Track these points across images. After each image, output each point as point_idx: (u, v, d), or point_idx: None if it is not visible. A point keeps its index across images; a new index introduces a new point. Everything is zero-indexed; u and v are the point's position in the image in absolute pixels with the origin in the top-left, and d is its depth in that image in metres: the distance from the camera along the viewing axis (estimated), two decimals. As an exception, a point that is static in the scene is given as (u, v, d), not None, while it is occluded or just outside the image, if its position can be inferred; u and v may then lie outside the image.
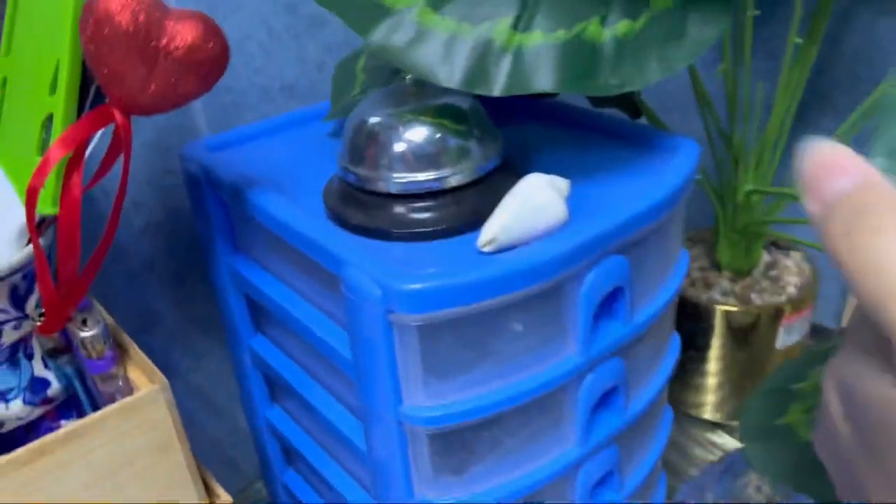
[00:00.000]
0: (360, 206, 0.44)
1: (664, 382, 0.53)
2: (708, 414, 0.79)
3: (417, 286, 0.37)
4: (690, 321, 0.74)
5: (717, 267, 0.76)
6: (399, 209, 0.43)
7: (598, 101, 0.65)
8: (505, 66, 0.41)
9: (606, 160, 0.50)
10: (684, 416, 0.79)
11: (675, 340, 0.56)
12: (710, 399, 0.78)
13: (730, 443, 0.77)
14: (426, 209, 0.43)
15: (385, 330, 0.39)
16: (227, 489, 0.74)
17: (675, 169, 0.46)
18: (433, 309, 0.38)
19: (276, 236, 0.46)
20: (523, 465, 0.46)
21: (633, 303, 0.45)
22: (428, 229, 0.42)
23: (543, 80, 0.41)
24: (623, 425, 0.49)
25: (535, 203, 0.39)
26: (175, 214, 0.61)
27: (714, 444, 0.77)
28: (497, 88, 0.41)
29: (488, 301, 0.38)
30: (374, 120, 0.43)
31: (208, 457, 0.70)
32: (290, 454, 0.63)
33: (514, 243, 0.40)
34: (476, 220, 0.42)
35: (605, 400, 0.49)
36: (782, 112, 0.68)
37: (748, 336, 0.73)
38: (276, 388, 0.60)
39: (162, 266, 0.62)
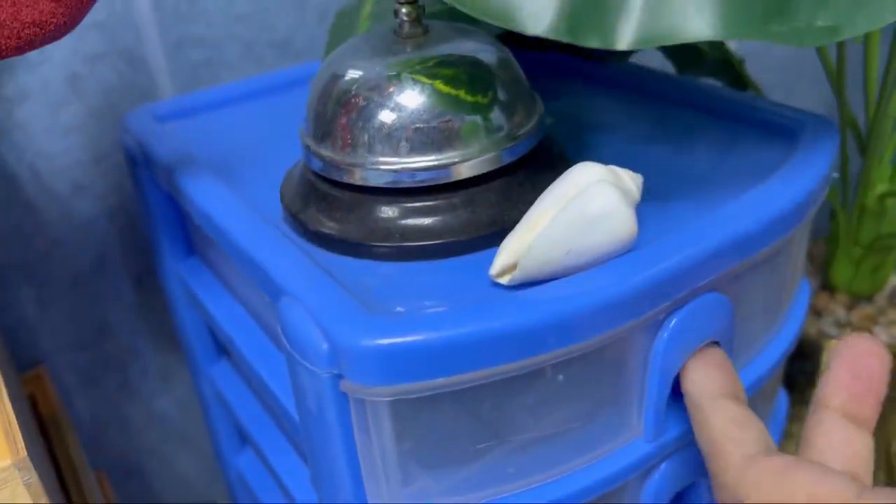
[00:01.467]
0: (326, 204, 0.29)
1: None
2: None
3: (380, 342, 0.23)
4: (792, 357, 0.57)
5: (829, 289, 0.59)
6: (381, 211, 0.28)
7: (685, 67, 0.49)
8: (635, 2, 0.25)
9: (698, 146, 0.35)
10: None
11: (782, 403, 0.40)
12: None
13: None
14: (421, 212, 0.28)
15: (337, 404, 0.24)
16: (204, 536, 0.62)
17: (803, 163, 0.30)
18: (407, 379, 0.23)
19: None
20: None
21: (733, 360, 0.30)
22: (420, 243, 0.28)
23: (699, 22, 0.25)
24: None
25: (586, 210, 0.24)
26: (131, 200, 0.48)
27: None
28: (623, 39, 0.25)
29: (500, 367, 0.24)
30: (350, 76, 0.29)
31: (177, 499, 0.58)
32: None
33: (548, 274, 0.25)
34: (498, 231, 0.28)
35: (679, 499, 0.33)
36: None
37: (868, 381, 0.56)
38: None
39: (115, 265, 0.49)
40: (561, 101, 0.40)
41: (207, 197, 0.32)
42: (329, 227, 0.29)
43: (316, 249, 0.29)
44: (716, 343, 0.28)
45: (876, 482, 0.30)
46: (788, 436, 0.60)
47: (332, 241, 0.29)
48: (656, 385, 0.27)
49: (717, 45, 0.49)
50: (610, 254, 0.25)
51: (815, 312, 0.58)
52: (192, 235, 0.41)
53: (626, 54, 0.44)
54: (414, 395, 0.24)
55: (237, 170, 0.36)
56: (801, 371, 0.57)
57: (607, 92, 0.41)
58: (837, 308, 0.58)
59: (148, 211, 0.40)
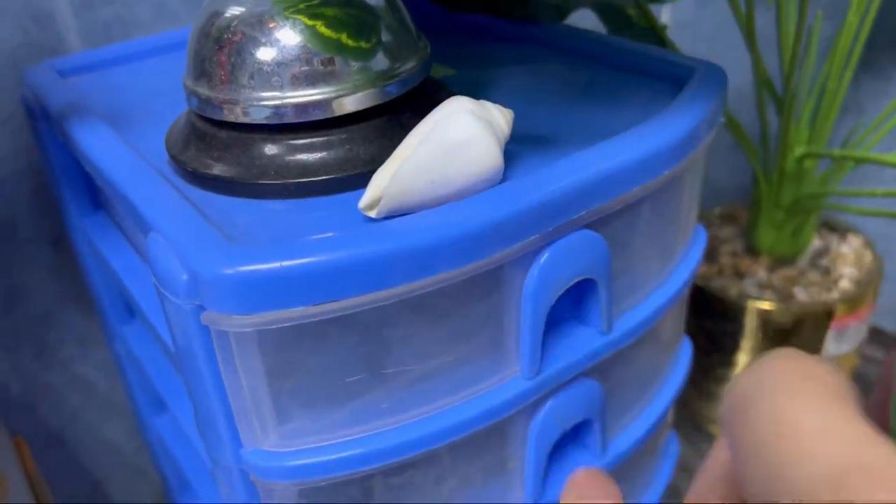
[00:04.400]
0: (205, 144, 0.29)
1: (665, 409, 0.38)
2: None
3: (236, 269, 0.23)
4: (716, 318, 0.58)
5: (752, 252, 0.60)
6: (257, 149, 0.28)
7: (616, 32, 0.49)
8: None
9: (599, 97, 0.35)
10: (698, 430, 0.64)
11: (685, 352, 0.41)
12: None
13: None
14: (298, 149, 0.28)
15: (201, 337, 0.24)
16: None
17: (682, 107, 0.31)
18: (266, 308, 0.23)
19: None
20: None
21: (612, 301, 0.30)
22: (296, 181, 0.28)
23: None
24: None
25: (445, 138, 0.24)
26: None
27: (739, 473, 0.62)
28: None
29: (361, 297, 0.24)
30: (230, 13, 0.29)
31: (105, 467, 0.58)
32: (188, 473, 0.49)
33: (414, 205, 0.25)
34: (377, 169, 0.28)
35: (576, 435, 0.34)
36: (844, 54, 0.51)
37: (788, 340, 0.58)
38: (163, 390, 0.47)
39: (28, 227, 0.48)
40: (479, 57, 0.40)
41: (93, 142, 0.31)
42: (207, 165, 0.28)
43: (195, 190, 0.29)
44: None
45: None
46: (703, 396, 0.61)
47: (209, 180, 0.28)
48: (530, 322, 0.28)
49: (644, 13, 0.49)
50: (476, 184, 0.25)
51: (738, 274, 0.59)
52: (96, 191, 0.40)
53: (560, 17, 0.44)
54: (276, 326, 0.24)
55: (133, 120, 0.35)
56: (725, 331, 0.58)
57: (531, 51, 0.41)
58: (760, 270, 0.59)
59: (50, 167, 0.40)
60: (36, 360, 0.51)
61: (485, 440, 0.30)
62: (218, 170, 0.28)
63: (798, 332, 0.57)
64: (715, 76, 0.33)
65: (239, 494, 0.28)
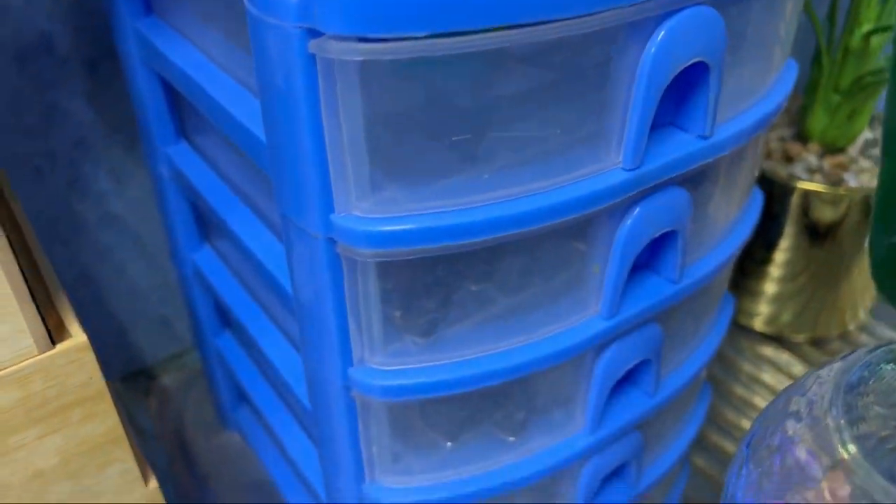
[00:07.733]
0: None
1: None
2: (760, 325, 0.63)
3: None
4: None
5: (802, 139, 0.59)
6: None
7: None
8: None
9: None
10: (736, 325, 0.64)
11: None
12: (765, 310, 0.63)
13: (786, 361, 0.62)
14: None
15: (304, 71, 0.23)
16: (157, 356, 0.61)
17: None
18: (388, 28, 0.22)
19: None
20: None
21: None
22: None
23: None
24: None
25: None
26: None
27: (765, 360, 0.62)
28: None
29: (486, 34, 0.22)
30: None
31: (131, 312, 0.57)
32: (225, 312, 0.48)
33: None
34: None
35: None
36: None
37: (832, 230, 0.57)
38: (207, 221, 0.45)
39: (66, 44, 0.46)
40: None
41: None
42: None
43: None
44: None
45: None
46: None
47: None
48: (640, 107, 0.26)
49: None
50: None
51: (787, 158, 0.58)
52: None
53: None
54: (389, 57, 0.22)
55: None
56: (767, 216, 0.58)
57: None
58: (810, 156, 0.58)
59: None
60: (70, 189, 0.50)
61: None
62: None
63: (843, 221, 0.56)
64: None
65: (322, 266, 0.27)
